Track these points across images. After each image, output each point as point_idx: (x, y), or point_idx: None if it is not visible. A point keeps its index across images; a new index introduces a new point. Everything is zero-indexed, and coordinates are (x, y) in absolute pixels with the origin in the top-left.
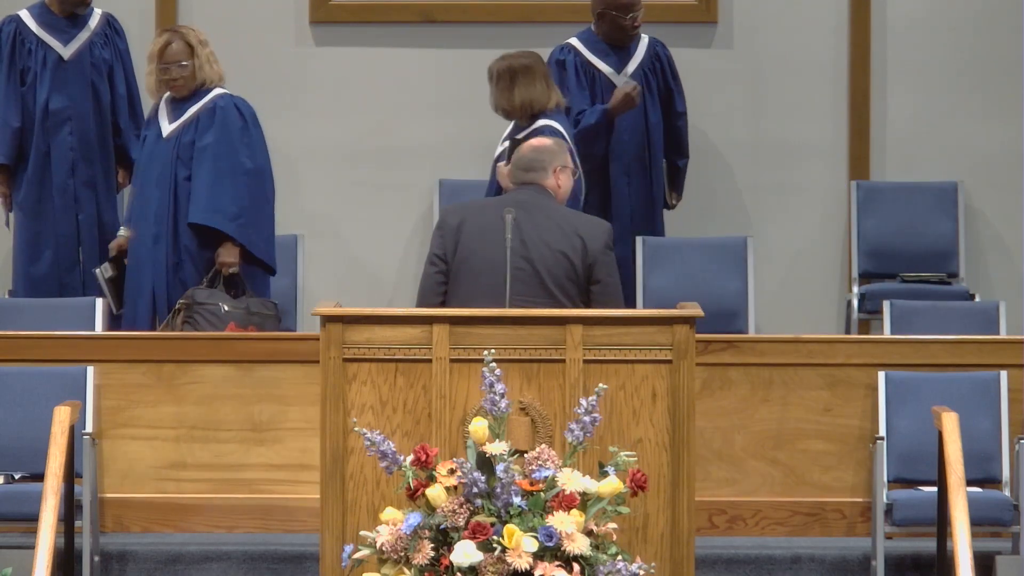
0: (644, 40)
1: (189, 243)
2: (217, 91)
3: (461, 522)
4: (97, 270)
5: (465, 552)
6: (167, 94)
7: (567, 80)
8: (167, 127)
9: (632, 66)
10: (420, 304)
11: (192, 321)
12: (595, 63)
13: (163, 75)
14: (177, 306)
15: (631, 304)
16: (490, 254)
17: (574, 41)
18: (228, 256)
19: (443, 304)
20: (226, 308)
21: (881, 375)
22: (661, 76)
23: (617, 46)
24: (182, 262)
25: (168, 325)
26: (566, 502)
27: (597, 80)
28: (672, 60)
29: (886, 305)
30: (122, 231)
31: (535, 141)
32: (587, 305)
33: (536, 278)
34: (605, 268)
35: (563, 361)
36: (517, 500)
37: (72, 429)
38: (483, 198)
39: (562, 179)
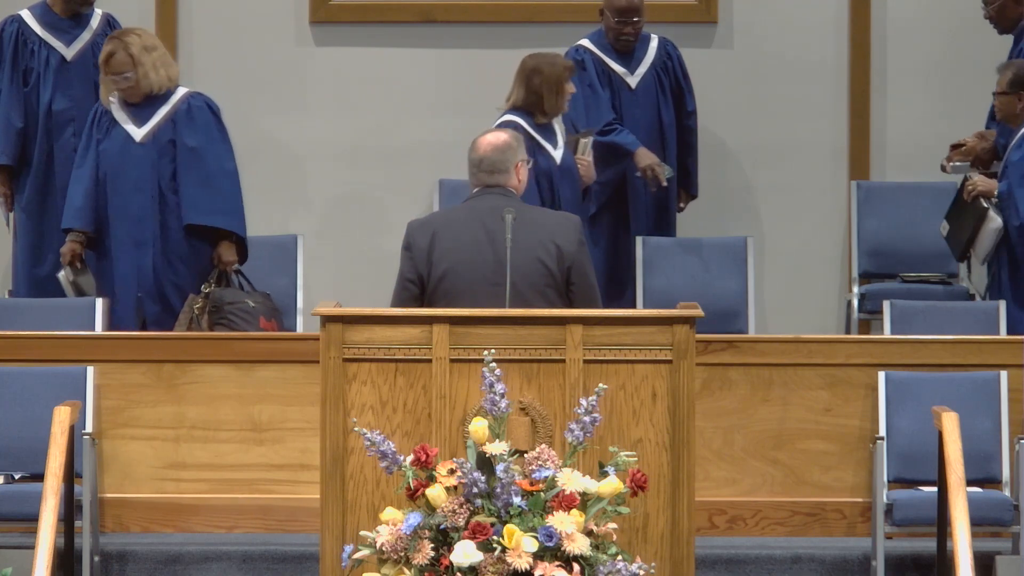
0: (654, 41)
1: (179, 245)
2: (183, 90)
3: (461, 522)
4: (60, 275)
5: (465, 552)
6: (118, 98)
7: (588, 79)
8: (137, 130)
9: (643, 67)
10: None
11: (227, 322)
12: (609, 63)
13: (111, 85)
14: (195, 309)
15: (631, 304)
16: (467, 272)
17: (585, 42)
18: (229, 254)
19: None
20: (252, 304)
21: (881, 375)
22: (673, 75)
23: (616, 50)
24: (172, 264)
25: (192, 329)
26: (566, 502)
27: (612, 80)
28: (682, 60)
29: (886, 305)
30: (74, 235)
31: (492, 139)
32: (568, 306)
33: (514, 291)
34: (581, 268)
35: (563, 361)
36: (517, 500)
37: (72, 429)
38: (447, 209)
39: (521, 174)
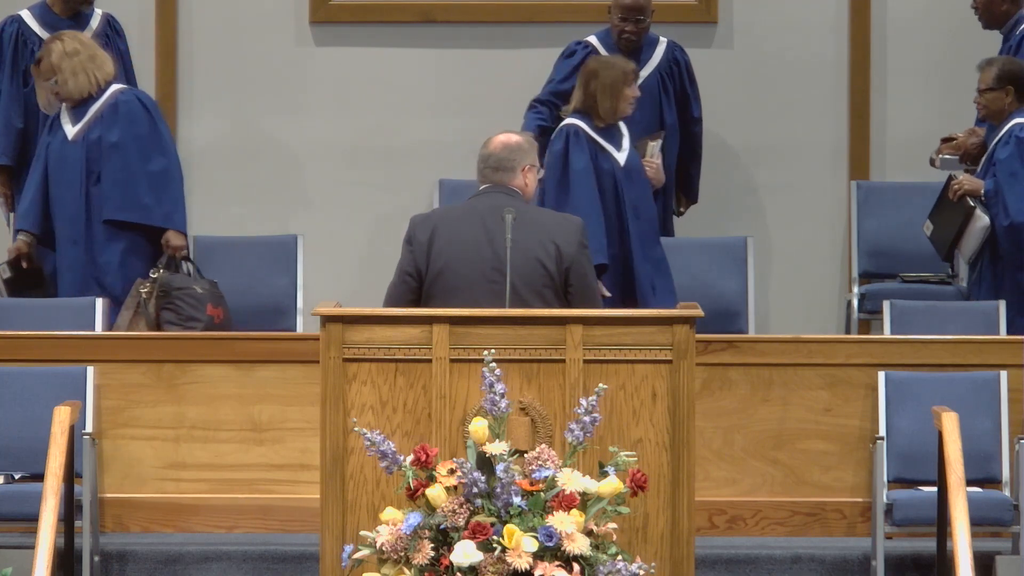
0: (662, 44)
1: (107, 243)
2: (115, 87)
3: (461, 522)
4: None
5: (465, 552)
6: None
7: (563, 64)
8: (71, 130)
9: (647, 70)
10: (393, 298)
11: (174, 307)
12: None
13: (45, 88)
14: (143, 293)
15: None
16: (465, 269)
17: (591, 38)
18: (178, 240)
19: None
20: (200, 291)
21: (881, 375)
22: (678, 80)
23: (620, 49)
24: (96, 262)
25: (139, 313)
26: (566, 502)
27: None
28: (690, 65)
29: (886, 305)
30: (22, 236)
31: (505, 137)
32: (566, 306)
33: (511, 290)
34: (580, 270)
35: (563, 361)
36: (517, 500)
37: (72, 429)
38: (451, 206)
39: (529, 178)
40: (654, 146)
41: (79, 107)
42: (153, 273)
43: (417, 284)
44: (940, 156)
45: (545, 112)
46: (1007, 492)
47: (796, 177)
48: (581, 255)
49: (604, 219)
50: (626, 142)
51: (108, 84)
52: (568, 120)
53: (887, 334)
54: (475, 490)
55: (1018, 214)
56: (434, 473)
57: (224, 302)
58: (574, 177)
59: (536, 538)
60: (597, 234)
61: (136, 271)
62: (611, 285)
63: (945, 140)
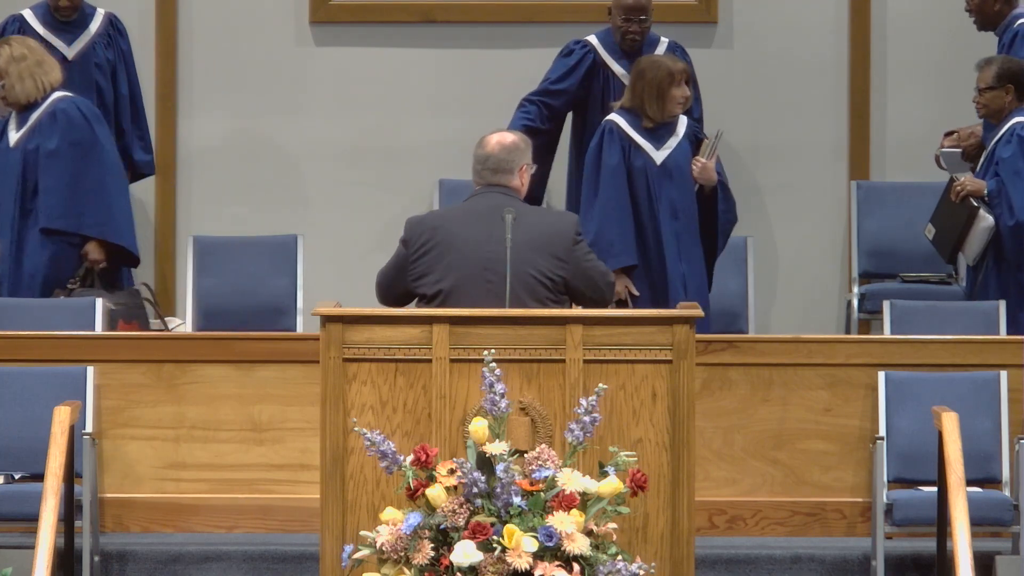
0: (663, 44)
1: (39, 248)
2: (56, 95)
3: (461, 522)
4: None
5: (465, 552)
6: None
7: (560, 63)
8: (13, 136)
9: None
10: (384, 286)
11: None
12: (609, 63)
13: None
14: None
15: None
16: (463, 270)
17: (591, 37)
18: (97, 253)
19: (407, 295)
20: (112, 307)
21: (881, 375)
22: None
23: (623, 49)
24: (28, 267)
25: None
26: (566, 502)
27: (611, 81)
28: (691, 65)
29: (886, 305)
30: None
31: (500, 138)
32: (563, 306)
33: (510, 289)
34: (578, 265)
35: (563, 361)
36: (517, 500)
37: (72, 429)
38: (448, 207)
39: (525, 177)
40: (707, 144)
41: (24, 113)
42: (70, 285)
43: (411, 285)
44: (942, 149)
45: (533, 111)
46: (1007, 492)
47: (796, 177)
48: (577, 249)
49: (636, 217)
50: (675, 140)
51: (53, 91)
52: (609, 116)
53: (887, 334)
54: (475, 490)
55: (1023, 212)
56: (434, 473)
57: (142, 314)
58: (604, 173)
59: (536, 538)
60: (623, 232)
61: (61, 281)
62: (643, 284)
63: (948, 134)
